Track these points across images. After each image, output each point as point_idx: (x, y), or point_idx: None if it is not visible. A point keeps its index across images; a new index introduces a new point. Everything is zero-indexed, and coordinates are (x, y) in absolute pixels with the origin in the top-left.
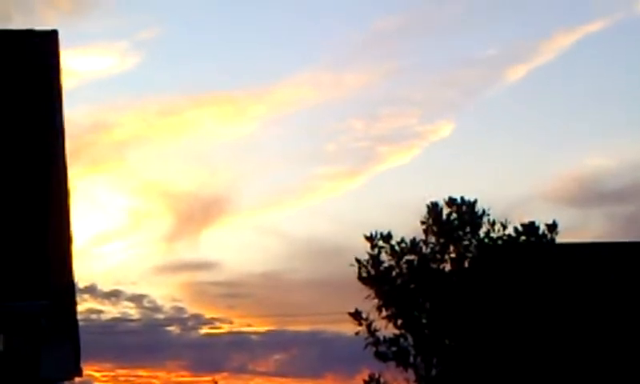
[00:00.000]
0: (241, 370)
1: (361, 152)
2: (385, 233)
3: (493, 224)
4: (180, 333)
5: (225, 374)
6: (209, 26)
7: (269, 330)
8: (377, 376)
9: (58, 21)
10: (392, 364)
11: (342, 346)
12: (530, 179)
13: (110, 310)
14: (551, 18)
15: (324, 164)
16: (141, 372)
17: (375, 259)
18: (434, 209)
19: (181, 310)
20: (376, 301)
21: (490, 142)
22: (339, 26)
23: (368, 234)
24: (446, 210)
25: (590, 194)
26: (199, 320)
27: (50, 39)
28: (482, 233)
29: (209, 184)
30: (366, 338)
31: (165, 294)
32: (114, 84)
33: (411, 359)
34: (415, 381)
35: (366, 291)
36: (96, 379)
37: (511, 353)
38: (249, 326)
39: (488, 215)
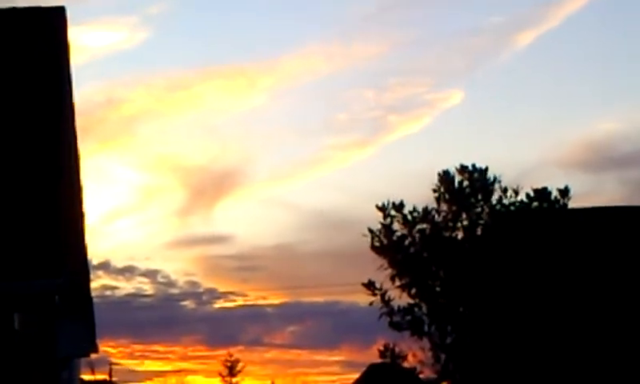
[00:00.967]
0: (256, 342)
1: (371, 122)
2: (397, 202)
3: (505, 191)
4: (195, 307)
5: (240, 347)
6: (217, 0)
7: (283, 303)
8: (392, 346)
9: None
10: (407, 333)
11: (356, 317)
12: (541, 145)
13: (125, 286)
14: None
15: (335, 135)
16: (157, 347)
17: (387, 229)
18: (445, 177)
19: (195, 284)
20: (389, 270)
21: (500, 108)
22: None
23: (380, 204)
24: (457, 178)
25: (602, 159)
26: (213, 294)
27: (57, 16)
28: (494, 200)
29: (220, 157)
30: (380, 308)
31: (179, 268)
32: (124, 60)
33: (426, 328)
34: (430, 349)
35: (379, 261)
36: (112, 355)
37: (525, 318)
38: (263, 298)
39: (500, 182)
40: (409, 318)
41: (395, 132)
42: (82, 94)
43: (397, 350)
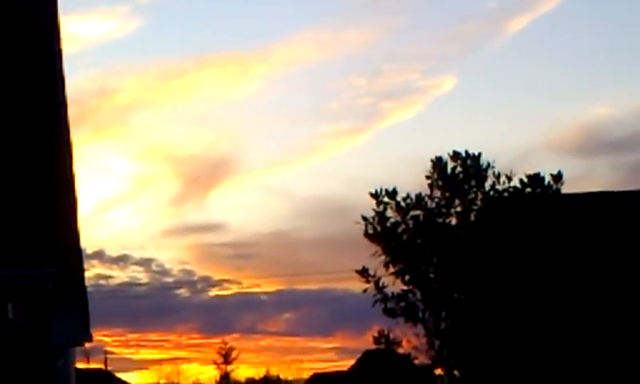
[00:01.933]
0: (251, 330)
1: (364, 109)
2: (390, 189)
3: (498, 176)
4: (189, 295)
5: (235, 335)
6: None
7: (278, 290)
8: (386, 332)
9: None
10: (401, 320)
11: (351, 304)
12: (534, 130)
13: (119, 275)
14: None
15: (328, 122)
16: (152, 335)
17: (381, 216)
18: (438, 163)
19: (189, 272)
20: (383, 257)
21: (493, 94)
22: None
23: (373, 191)
24: (450, 164)
25: (595, 144)
26: (208, 282)
27: (49, 6)
28: (487, 186)
29: (213, 146)
30: (375, 295)
31: (173, 257)
32: (116, 49)
33: (420, 314)
34: (425, 335)
35: (373, 248)
36: (107, 344)
37: (519, 303)
38: (258, 286)
39: (493, 168)
40: (403, 304)
41: (388, 119)
42: (74, 83)
43: (391, 336)
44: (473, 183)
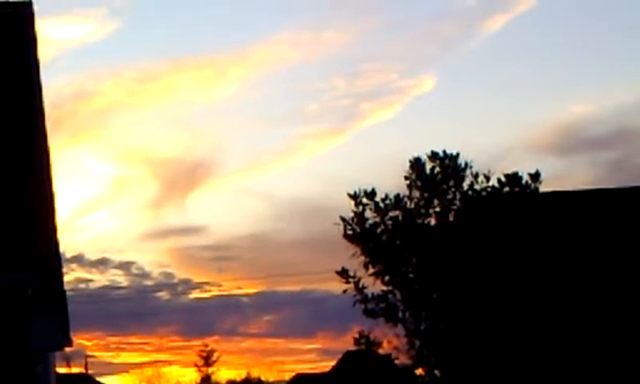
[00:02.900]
0: (232, 332)
1: (343, 110)
2: (369, 190)
3: (476, 176)
4: (170, 298)
5: (216, 337)
6: None
7: (258, 292)
8: (367, 333)
9: None
10: (381, 320)
11: (331, 305)
12: (513, 129)
13: (99, 279)
14: None
15: (307, 123)
16: (132, 339)
17: (360, 217)
18: (416, 164)
19: (169, 275)
20: (363, 258)
21: (472, 93)
22: None
23: (352, 192)
24: (429, 165)
25: (573, 142)
26: (188, 285)
27: (24, 10)
28: (465, 185)
29: (192, 148)
30: (355, 296)
31: (153, 260)
32: (93, 52)
33: (400, 314)
34: (405, 335)
35: (353, 249)
36: (88, 348)
37: (498, 302)
38: (238, 288)
39: (471, 167)
40: (383, 305)
41: (367, 119)
42: (51, 87)
43: (372, 337)
44: (451, 183)
